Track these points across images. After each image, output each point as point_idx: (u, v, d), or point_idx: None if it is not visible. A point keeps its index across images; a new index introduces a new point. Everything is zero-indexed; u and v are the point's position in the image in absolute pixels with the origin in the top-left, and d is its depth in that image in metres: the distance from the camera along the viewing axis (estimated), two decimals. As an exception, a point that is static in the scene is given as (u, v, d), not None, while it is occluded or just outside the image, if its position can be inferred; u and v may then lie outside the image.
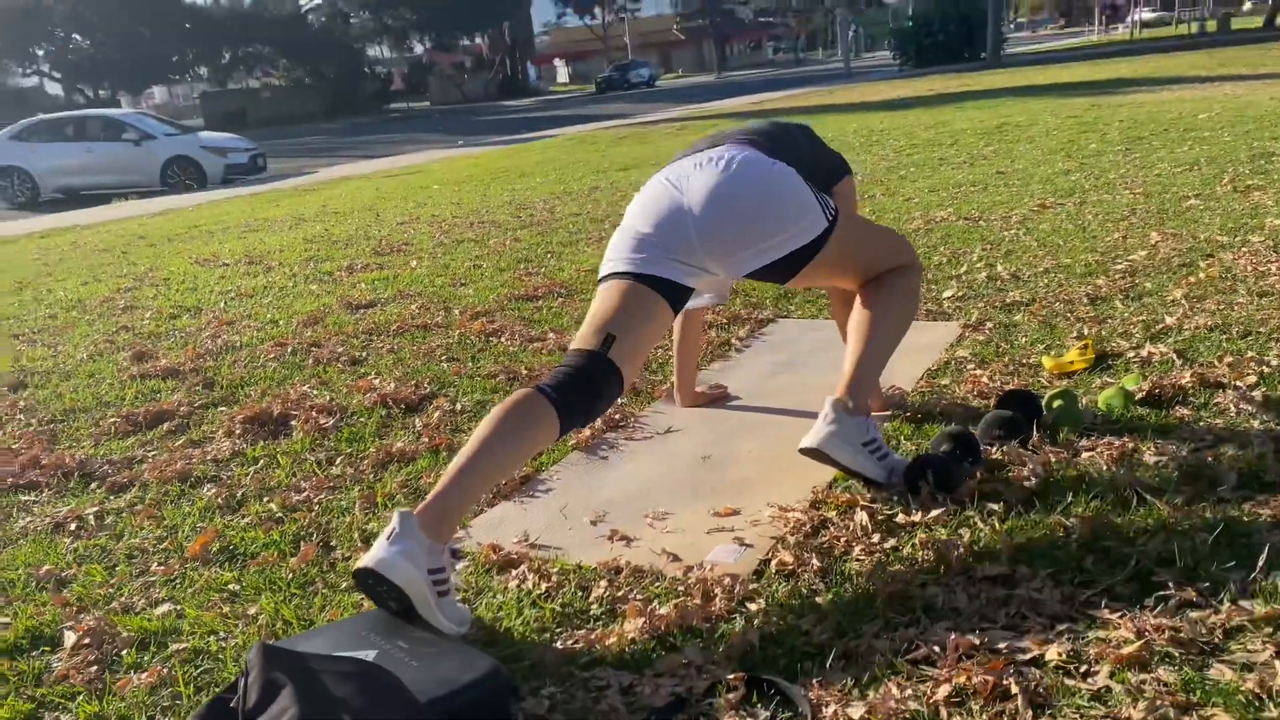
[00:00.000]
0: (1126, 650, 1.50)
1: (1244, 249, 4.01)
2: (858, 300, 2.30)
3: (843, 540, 1.98)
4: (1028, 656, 1.54)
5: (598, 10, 56.58)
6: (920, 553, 1.90)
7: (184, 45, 43.51)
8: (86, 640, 1.90)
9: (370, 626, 1.70)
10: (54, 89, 44.90)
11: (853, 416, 2.15)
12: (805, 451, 2.17)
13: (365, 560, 1.67)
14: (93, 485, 2.76)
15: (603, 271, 2.17)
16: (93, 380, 3.86)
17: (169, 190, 15.46)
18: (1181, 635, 1.53)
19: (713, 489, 2.33)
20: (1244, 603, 1.60)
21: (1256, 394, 2.48)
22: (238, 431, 3.05)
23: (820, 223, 2.13)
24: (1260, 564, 1.69)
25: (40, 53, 42.33)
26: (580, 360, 1.98)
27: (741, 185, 2.09)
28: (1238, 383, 2.56)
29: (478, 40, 53.07)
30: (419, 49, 53.96)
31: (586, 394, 1.95)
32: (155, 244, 8.14)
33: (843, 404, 2.16)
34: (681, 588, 1.88)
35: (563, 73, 71.36)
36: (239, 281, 5.78)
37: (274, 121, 40.66)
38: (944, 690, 1.48)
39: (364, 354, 3.84)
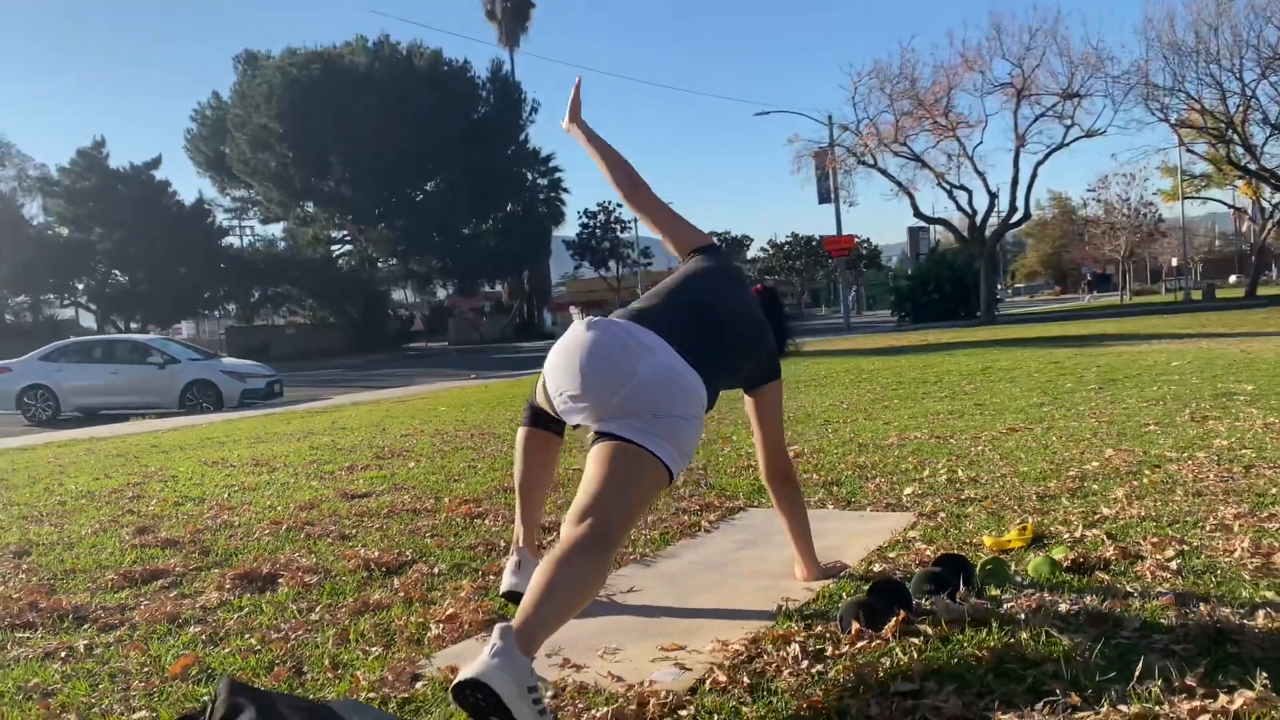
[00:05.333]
0: (1010, 738, 1.66)
1: (1189, 462, 4.26)
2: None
3: (774, 666, 2.14)
4: (922, 745, 1.69)
5: (612, 263, 59.63)
6: (843, 675, 2.06)
7: (217, 283, 45.75)
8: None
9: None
10: (87, 320, 46.83)
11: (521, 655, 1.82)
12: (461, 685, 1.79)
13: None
14: (85, 626, 2.92)
15: None
16: (94, 549, 4.05)
17: (186, 412, 15.97)
18: (1060, 728, 1.68)
19: (663, 631, 2.50)
20: (1121, 706, 1.76)
21: (1173, 564, 2.67)
22: (228, 586, 3.22)
23: (660, 450, 2.18)
24: (1137, 674, 1.85)
25: (80, 286, 44.50)
26: None
27: (674, 381, 2.26)
28: (1157, 555, 2.76)
29: (498, 287, 55.66)
30: (441, 293, 56.53)
31: None
32: (167, 451, 8.44)
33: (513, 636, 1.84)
34: (621, 699, 2.03)
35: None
36: (243, 479, 6.04)
37: (295, 356, 42.07)
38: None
39: (354, 532, 4.05)
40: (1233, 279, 62.91)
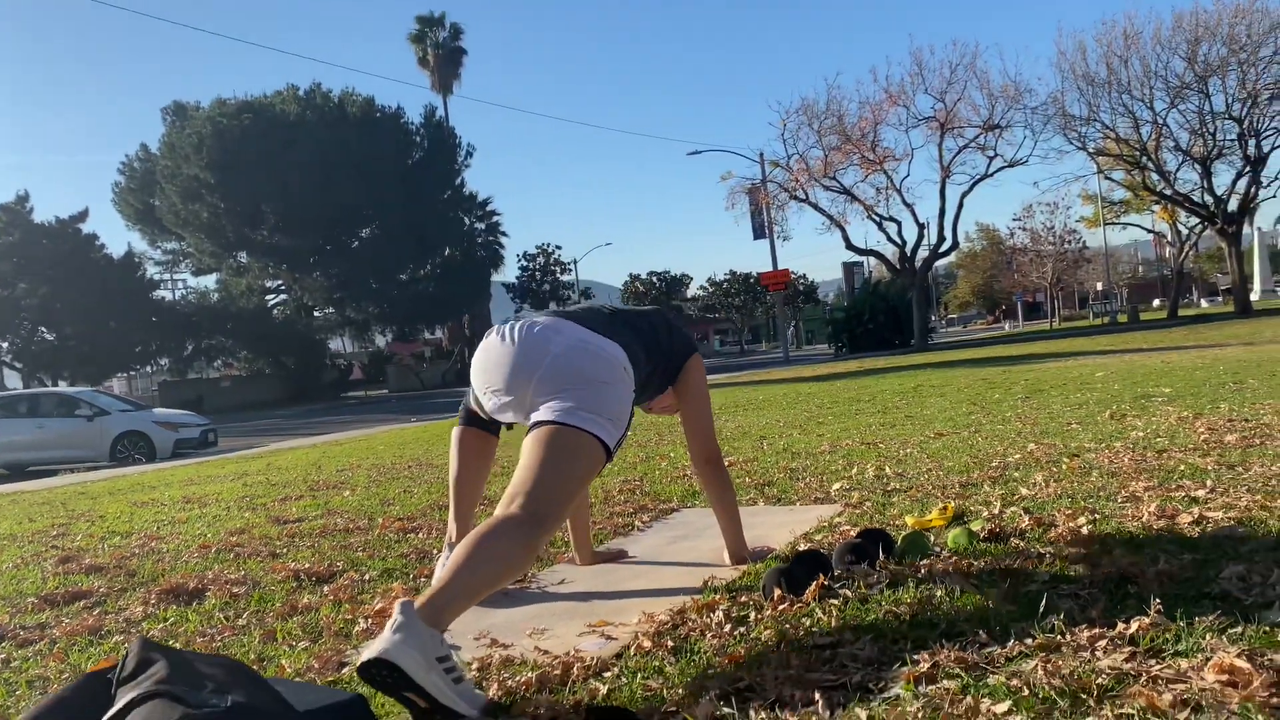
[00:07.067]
0: (918, 670, 1.71)
1: (1106, 451, 4.40)
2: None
3: (698, 630, 2.18)
4: (835, 683, 1.74)
5: (553, 305, 59.72)
6: (764, 634, 2.10)
7: (149, 337, 44.79)
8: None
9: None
10: (13, 379, 45.53)
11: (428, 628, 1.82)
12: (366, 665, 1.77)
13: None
14: (3, 643, 2.85)
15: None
16: (15, 580, 3.95)
17: (118, 464, 15.58)
18: (967, 660, 1.74)
19: (592, 612, 2.52)
20: (1026, 640, 1.82)
21: (1084, 530, 2.76)
22: (153, 601, 3.17)
23: (590, 424, 2.23)
24: (1040, 611, 1.92)
25: (4, 344, 43.31)
26: None
27: (587, 350, 2.35)
28: (1070, 523, 2.85)
29: (438, 333, 55.28)
30: (380, 340, 55.97)
31: None
32: (96, 497, 8.24)
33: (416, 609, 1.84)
34: (546, 666, 2.04)
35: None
36: (174, 514, 5.92)
37: (231, 408, 41.30)
38: (762, 710, 1.66)
39: (285, 550, 4.00)
40: (1156, 303, 64.85)
